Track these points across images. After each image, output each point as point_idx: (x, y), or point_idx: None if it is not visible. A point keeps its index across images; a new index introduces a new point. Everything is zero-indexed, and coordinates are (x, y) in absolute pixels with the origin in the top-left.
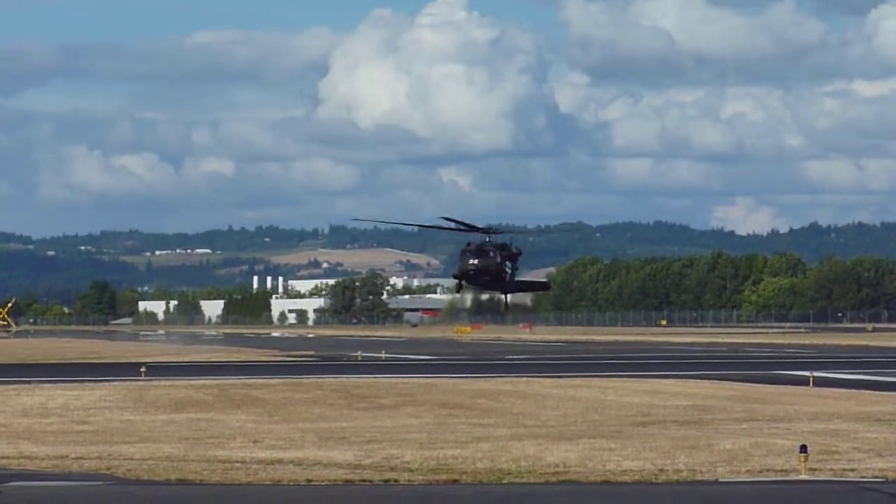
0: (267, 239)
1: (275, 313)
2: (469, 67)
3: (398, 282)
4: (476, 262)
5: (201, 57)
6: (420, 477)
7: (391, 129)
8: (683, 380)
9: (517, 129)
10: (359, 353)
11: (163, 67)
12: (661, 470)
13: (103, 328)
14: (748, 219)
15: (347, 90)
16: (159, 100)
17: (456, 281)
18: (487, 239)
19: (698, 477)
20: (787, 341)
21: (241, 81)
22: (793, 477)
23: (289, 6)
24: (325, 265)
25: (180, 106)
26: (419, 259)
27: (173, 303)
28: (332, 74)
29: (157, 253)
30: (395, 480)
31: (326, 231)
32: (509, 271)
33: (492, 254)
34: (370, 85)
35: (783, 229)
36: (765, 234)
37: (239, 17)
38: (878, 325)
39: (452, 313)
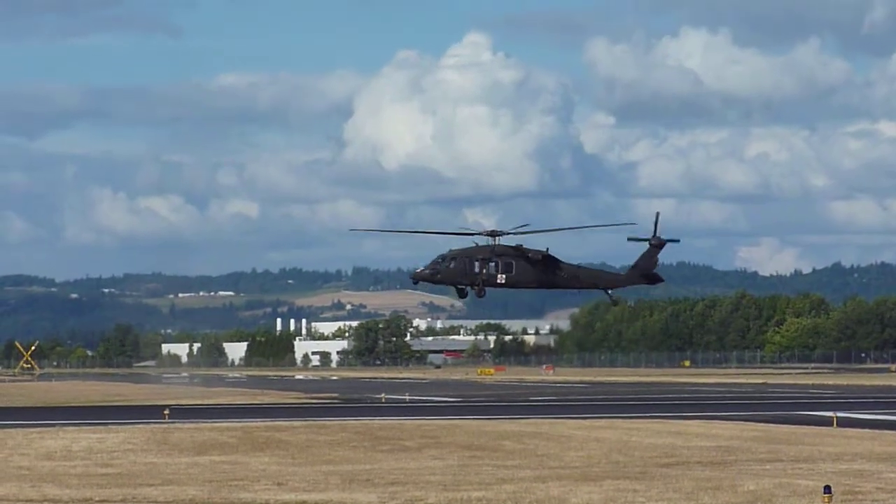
0: (290, 281)
1: (298, 355)
2: (494, 108)
3: (421, 323)
4: (422, 271)
5: (226, 99)
6: None
7: (416, 171)
8: (707, 421)
9: (542, 170)
10: (382, 395)
11: (188, 110)
12: None
13: (127, 371)
14: (772, 259)
15: (372, 132)
16: (184, 142)
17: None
18: (494, 241)
19: None
20: (810, 382)
21: (266, 123)
22: None
23: (314, 48)
24: (348, 307)
25: (205, 148)
26: (442, 301)
27: (197, 345)
28: (357, 116)
29: (181, 295)
30: None
31: (350, 273)
32: (496, 272)
33: (450, 263)
34: (395, 126)
35: (806, 270)
36: (788, 274)
37: (264, 59)
38: None
39: (476, 355)
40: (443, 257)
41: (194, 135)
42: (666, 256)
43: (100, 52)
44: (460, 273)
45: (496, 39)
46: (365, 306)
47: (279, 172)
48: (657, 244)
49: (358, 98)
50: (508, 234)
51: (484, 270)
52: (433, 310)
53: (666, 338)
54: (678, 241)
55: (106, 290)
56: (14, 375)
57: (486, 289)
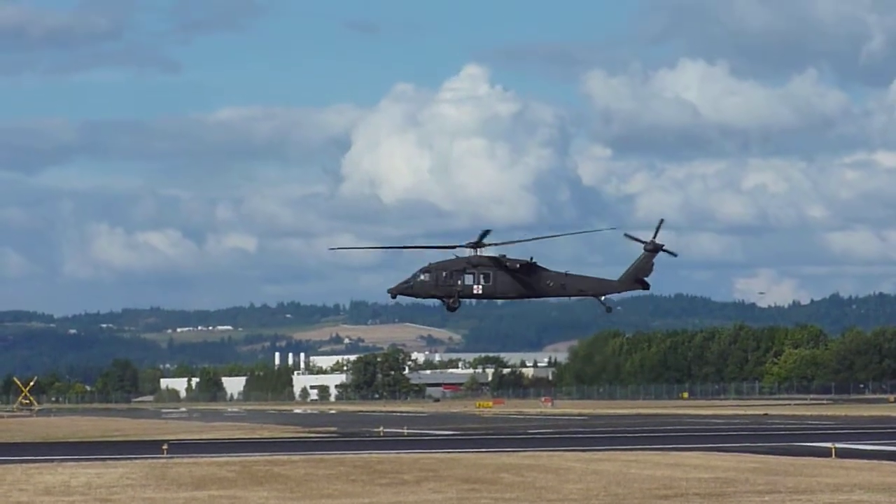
0: (289, 315)
1: (297, 389)
2: (491, 141)
3: (420, 357)
4: (398, 285)
5: (224, 133)
6: None
7: (414, 204)
8: (706, 452)
9: (540, 203)
10: (381, 428)
11: (185, 144)
12: None
13: (125, 406)
14: (770, 290)
15: (370, 165)
16: (182, 176)
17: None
18: (475, 252)
19: None
20: (808, 412)
21: (263, 157)
22: None
23: (311, 82)
24: (346, 341)
25: (203, 182)
26: (440, 334)
27: (195, 380)
28: (355, 150)
29: (179, 330)
30: None
31: (348, 307)
32: (474, 283)
33: (424, 276)
34: (393, 160)
35: (804, 301)
36: (786, 305)
37: (261, 93)
38: None
39: (474, 388)
40: (420, 271)
41: (192, 169)
42: (663, 288)
43: (97, 87)
44: (432, 286)
45: (493, 72)
46: (363, 340)
47: (277, 206)
48: (652, 248)
49: (355, 131)
50: (490, 245)
51: (459, 282)
52: (431, 343)
53: (664, 370)
54: (676, 255)
55: (104, 326)
56: (13, 411)
57: (484, 318)
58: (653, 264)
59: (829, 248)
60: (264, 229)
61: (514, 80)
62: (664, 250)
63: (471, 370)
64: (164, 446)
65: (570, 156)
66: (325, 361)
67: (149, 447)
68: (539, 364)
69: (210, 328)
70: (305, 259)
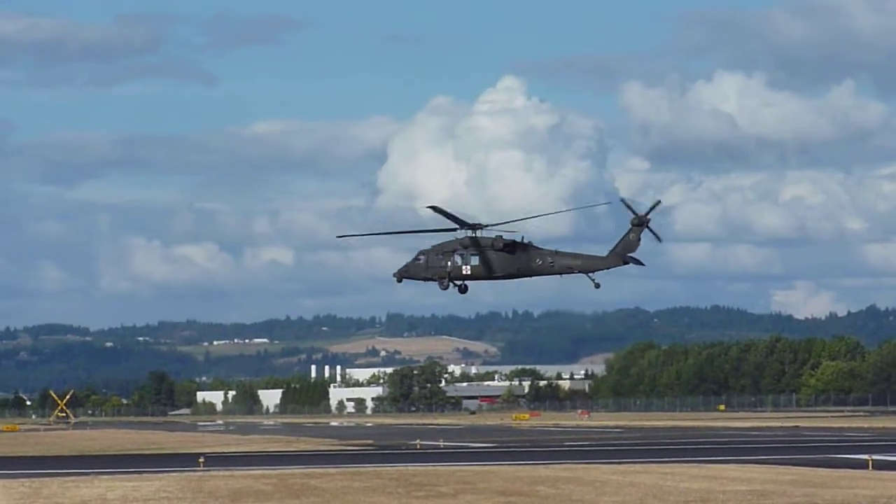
0: (325, 328)
1: (333, 402)
2: (528, 154)
3: (456, 369)
4: (399, 270)
5: (260, 147)
6: None
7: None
8: (743, 464)
9: (577, 215)
10: (417, 441)
11: (222, 158)
12: None
13: (162, 419)
14: (807, 303)
15: (407, 178)
16: (219, 190)
17: None
18: (474, 234)
19: None
20: (846, 425)
21: (300, 171)
22: None
23: (348, 95)
24: (382, 353)
25: (240, 196)
26: (476, 346)
27: (231, 393)
28: (391, 162)
29: (216, 343)
30: None
31: (384, 319)
32: (463, 264)
33: (420, 259)
34: (429, 172)
35: (841, 313)
36: (823, 317)
37: (298, 106)
38: None
39: (510, 400)
40: (417, 254)
41: (229, 182)
42: (701, 301)
43: (134, 101)
44: (424, 268)
45: (530, 84)
46: (399, 352)
47: (313, 219)
48: (637, 223)
49: (392, 144)
50: (490, 226)
51: (449, 263)
52: (468, 355)
53: (701, 382)
54: (661, 239)
55: (140, 339)
56: (49, 424)
57: (489, 314)
58: (640, 239)
59: (867, 260)
60: (301, 242)
61: (551, 93)
62: (649, 228)
63: (507, 382)
64: (201, 459)
65: (608, 168)
66: (361, 374)
67: (185, 460)
68: (575, 376)
69: (246, 341)
70: (342, 272)
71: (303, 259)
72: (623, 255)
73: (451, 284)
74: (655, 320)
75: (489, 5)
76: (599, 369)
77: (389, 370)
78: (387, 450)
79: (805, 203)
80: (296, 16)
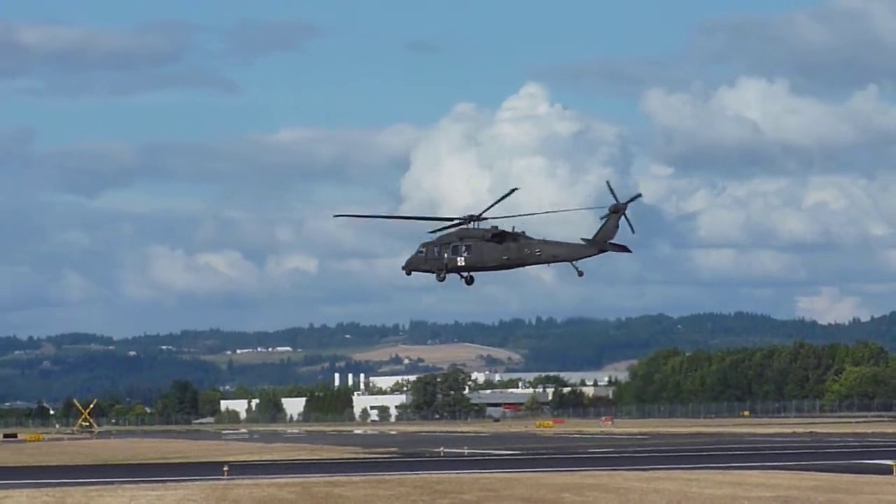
0: (348, 336)
1: (357, 410)
2: (551, 160)
3: (479, 377)
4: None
5: (283, 155)
6: None
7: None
8: (767, 471)
9: (600, 222)
10: (441, 449)
11: (245, 166)
12: None
13: (185, 428)
14: (830, 308)
15: (430, 185)
16: (242, 198)
17: None
18: (475, 225)
19: None
20: (870, 430)
21: (323, 178)
22: None
23: (371, 103)
24: (406, 361)
25: (263, 204)
26: (500, 354)
27: (255, 401)
28: (414, 170)
29: (239, 351)
30: None
31: (407, 327)
32: (456, 255)
33: (421, 251)
34: (452, 180)
35: (865, 318)
36: (846, 323)
37: (321, 114)
38: None
39: (534, 407)
40: (419, 246)
41: (251, 191)
42: (724, 307)
43: (156, 110)
44: (423, 260)
45: (553, 91)
46: (423, 360)
47: (336, 227)
48: (614, 210)
49: (415, 152)
50: (487, 218)
51: (446, 255)
52: (491, 363)
53: (725, 388)
54: (633, 231)
55: (164, 347)
56: (73, 433)
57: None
58: (617, 226)
59: (891, 265)
60: (324, 250)
61: (574, 99)
62: (625, 217)
63: (531, 390)
64: (225, 468)
65: (631, 175)
66: (384, 382)
67: (209, 469)
68: (599, 383)
69: (270, 349)
70: (365, 279)
71: (326, 267)
72: (602, 242)
73: (459, 275)
74: (679, 326)
75: (511, 12)
76: (623, 376)
77: (413, 378)
78: (411, 457)
79: (828, 208)
80: (318, 23)
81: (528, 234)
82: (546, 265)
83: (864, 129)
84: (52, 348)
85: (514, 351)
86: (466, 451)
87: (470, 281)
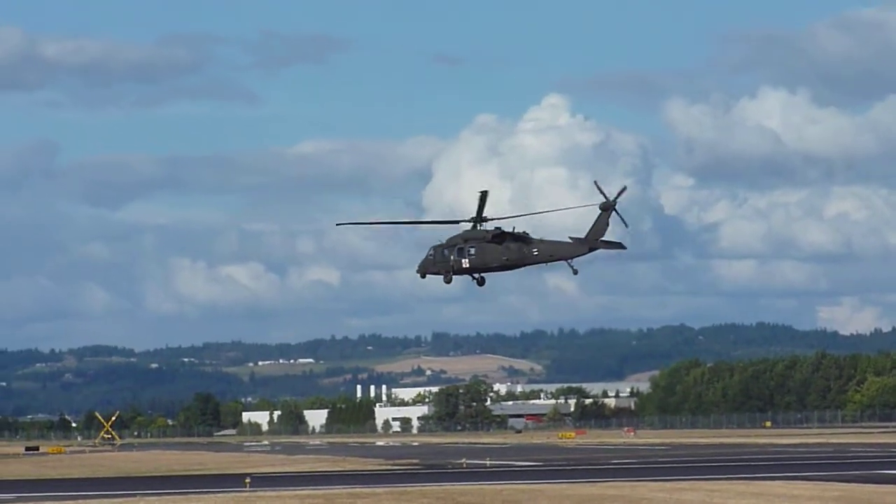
0: (370, 347)
1: (379, 422)
2: (572, 171)
3: (501, 388)
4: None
5: (305, 166)
6: None
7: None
8: (789, 481)
9: (622, 233)
10: (463, 460)
11: (267, 178)
12: None
13: (207, 440)
14: (852, 318)
15: (452, 197)
16: (264, 210)
17: None
18: (479, 227)
19: None
20: (892, 441)
21: (345, 190)
22: None
23: (393, 115)
24: (428, 372)
25: (285, 215)
26: (522, 365)
27: (277, 413)
28: (436, 181)
29: (261, 363)
30: None
31: (429, 338)
32: (460, 257)
33: (431, 254)
34: (474, 191)
35: (886, 328)
36: (868, 333)
37: (343, 126)
38: None
39: (556, 419)
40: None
41: (273, 203)
42: (746, 318)
43: (179, 122)
44: (432, 263)
45: (574, 102)
46: (445, 371)
47: (359, 239)
48: (604, 207)
49: (437, 163)
50: (491, 219)
51: (452, 257)
52: (513, 374)
53: (746, 399)
54: (627, 225)
55: (186, 360)
56: (95, 446)
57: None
58: (608, 223)
59: None
60: (346, 262)
61: (595, 110)
62: (617, 212)
63: (553, 401)
64: (247, 480)
65: (653, 185)
66: (406, 393)
67: (232, 481)
68: (621, 394)
69: (292, 361)
70: (387, 291)
71: (348, 279)
72: (593, 240)
73: (471, 277)
74: (701, 337)
75: (533, 24)
76: (645, 387)
77: (435, 389)
78: (433, 469)
79: (850, 219)
80: (340, 35)
81: (529, 234)
82: (545, 265)
83: (886, 139)
84: (73, 361)
85: (536, 362)
86: (489, 462)
87: (481, 282)
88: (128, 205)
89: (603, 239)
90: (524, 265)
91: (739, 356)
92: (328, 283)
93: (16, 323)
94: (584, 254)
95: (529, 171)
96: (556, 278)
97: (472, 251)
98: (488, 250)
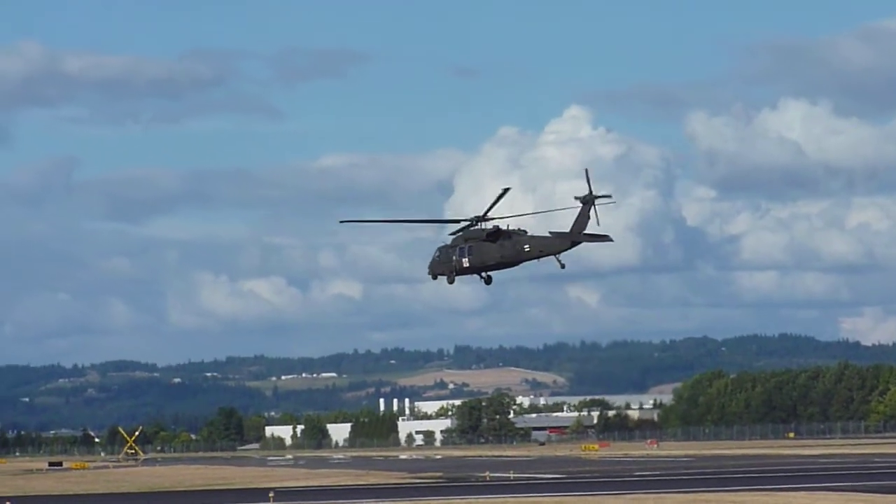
0: (393, 361)
1: (402, 435)
2: (595, 183)
3: (524, 401)
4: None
5: (327, 180)
6: None
7: None
8: (812, 492)
9: (644, 245)
10: (487, 473)
11: (289, 192)
12: None
13: (231, 454)
14: (875, 329)
15: (473, 210)
16: (286, 224)
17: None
18: (480, 226)
19: None
20: None
21: (367, 204)
22: None
23: (414, 128)
24: (451, 386)
25: (307, 229)
26: (545, 377)
27: (300, 427)
28: (458, 194)
29: (284, 377)
30: None
31: (452, 351)
32: (461, 257)
33: (437, 255)
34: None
35: None
36: (891, 343)
37: (364, 139)
38: None
39: (579, 431)
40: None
41: (296, 216)
42: (768, 329)
43: (200, 137)
44: (438, 263)
45: (596, 114)
46: (468, 385)
47: (381, 252)
48: (584, 201)
49: (459, 176)
50: (491, 218)
51: (454, 257)
52: (536, 386)
53: (769, 410)
54: (598, 224)
55: (209, 374)
56: (118, 461)
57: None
58: (588, 216)
59: None
60: (368, 275)
61: (617, 122)
62: (594, 207)
63: (576, 413)
64: (271, 494)
65: (675, 197)
66: (429, 407)
67: (255, 495)
68: (644, 406)
69: (314, 375)
70: (409, 305)
71: (370, 292)
72: (576, 234)
73: (479, 276)
74: (723, 349)
75: (554, 36)
76: (668, 398)
77: (458, 402)
78: (456, 482)
79: (872, 229)
80: (361, 49)
81: (526, 231)
82: (538, 261)
83: None
84: (96, 376)
85: (559, 374)
86: (512, 475)
87: (488, 281)
88: (150, 220)
89: (586, 232)
90: (520, 262)
91: (762, 367)
92: (350, 297)
93: (39, 338)
94: (567, 248)
95: (551, 184)
96: (578, 290)
97: (471, 250)
98: (485, 249)
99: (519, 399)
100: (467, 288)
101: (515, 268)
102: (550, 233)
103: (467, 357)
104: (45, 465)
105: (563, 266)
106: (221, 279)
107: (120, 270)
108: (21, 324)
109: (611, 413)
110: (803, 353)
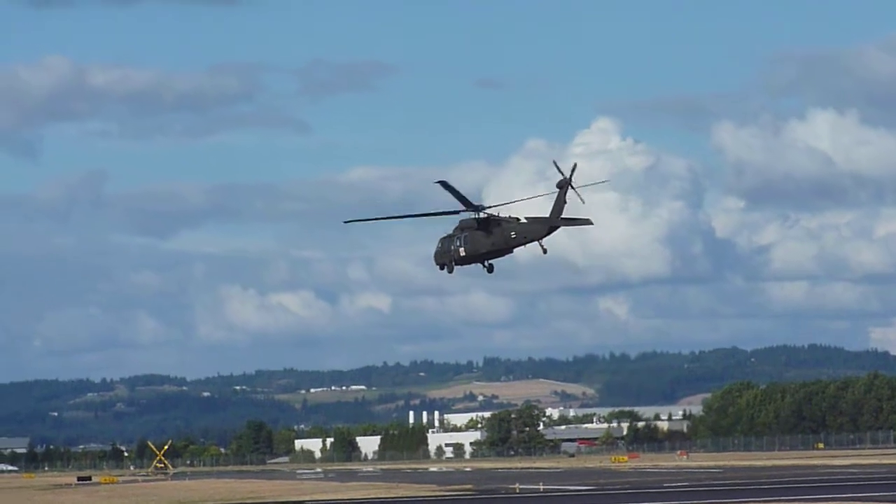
0: (422, 373)
1: (432, 447)
2: (623, 195)
3: (554, 412)
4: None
5: (355, 193)
6: None
7: (546, 260)
8: (843, 502)
9: (673, 256)
10: (517, 485)
11: (317, 205)
12: None
13: (260, 467)
14: None
15: None
16: (314, 237)
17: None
18: (477, 215)
19: None
20: None
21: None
22: None
23: (441, 141)
24: (480, 398)
25: (335, 242)
26: (574, 389)
27: (329, 440)
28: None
29: (313, 390)
30: None
31: (481, 364)
32: (458, 246)
33: (440, 245)
34: (524, 215)
35: None
36: None
37: (391, 153)
38: None
39: (609, 442)
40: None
41: (324, 230)
42: (798, 339)
43: (228, 150)
44: (440, 254)
45: (624, 125)
46: (497, 397)
47: (409, 265)
48: (560, 185)
49: (487, 189)
50: (490, 207)
51: (452, 247)
52: (565, 398)
53: (799, 421)
54: (584, 201)
55: (238, 388)
56: (148, 475)
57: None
58: (565, 200)
59: None
60: (397, 288)
61: (645, 133)
62: (573, 188)
63: (605, 425)
64: None
65: (703, 208)
66: (459, 419)
67: None
68: (674, 417)
69: (344, 388)
70: (438, 317)
71: (399, 305)
72: (555, 217)
73: (482, 265)
74: (752, 359)
75: (581, 48)
76: (697, 410)
77: (487, 414)
78: (486, 494)
79: None
80: (388, 61)
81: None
82: (525, 248)
83: None
84: (125, 390)
85: (588, 386)
86: (542, 487)
87: (490, 269)
88: (178, 234)
89: (564, 217)
90: (511, 248)
91: (791, 378)
92: (379, 310)
93: (67, 353)
94: (546, 233)
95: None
96: (607, 302)
97: (466, 240)
98: (477, 238)
99: (548, 411)
100: (497, 300)
101: (538, 275)
102: (527, 218)
103: (496, 369)
104: (74, 480)
105: (545, 251)
106: (250, 293)
107: (148, 284)
108: (49, 338)
109: (640, 424)
110: (833, 363)
